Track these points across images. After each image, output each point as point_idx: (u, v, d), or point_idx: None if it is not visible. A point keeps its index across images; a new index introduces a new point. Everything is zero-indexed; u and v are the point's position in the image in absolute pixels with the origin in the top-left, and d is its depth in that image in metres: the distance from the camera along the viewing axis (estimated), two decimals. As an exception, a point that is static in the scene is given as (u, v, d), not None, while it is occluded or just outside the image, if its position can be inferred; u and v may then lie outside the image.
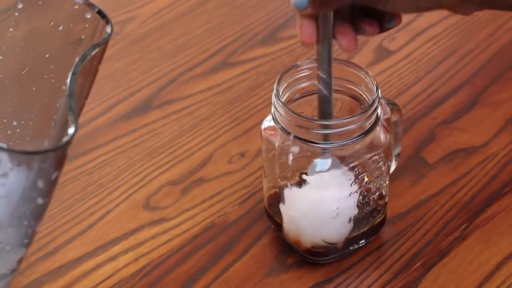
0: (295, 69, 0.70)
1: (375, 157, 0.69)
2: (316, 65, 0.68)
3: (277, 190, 0.71)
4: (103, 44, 0.55)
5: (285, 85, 0.69)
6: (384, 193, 0.72)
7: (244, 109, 0.86)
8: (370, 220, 0.72)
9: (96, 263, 0.73)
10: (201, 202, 0.77)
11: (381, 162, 0.70)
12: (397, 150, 0.75)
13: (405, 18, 0.95)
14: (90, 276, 0.72)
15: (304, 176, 0.69)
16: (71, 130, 0.51)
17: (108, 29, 0.55)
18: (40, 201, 0.53)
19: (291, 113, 0.66)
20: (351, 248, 0.72)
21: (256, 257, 0.73)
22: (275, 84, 0.68)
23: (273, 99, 0.68)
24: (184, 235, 0.75)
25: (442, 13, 0.95)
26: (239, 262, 0.73)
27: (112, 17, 0.60)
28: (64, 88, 0.59)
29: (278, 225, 0.73)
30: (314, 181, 0.69)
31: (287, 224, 0.71)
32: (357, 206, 0.70)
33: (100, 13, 0.57)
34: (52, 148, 0.51)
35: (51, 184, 0.53)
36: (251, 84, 0.88)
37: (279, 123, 0.68)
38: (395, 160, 0.75)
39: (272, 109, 0.68)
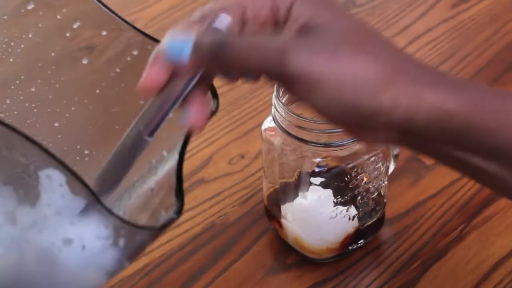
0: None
1: (374, 157, 0.69)
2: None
3: (277, 190, 0.72)
4: None
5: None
6: (382, 194, 0.72)
7: (244, 111, 0.86)
8: (369, 220, 0.72)
9: (98, 262, 0.73)
10: (201, 203, 0.78)
11: (380, 163, 0.70)
12: (395, 151, 0.75)
13: (404, 21, 0.96)
14: (91, 276, 0.72)
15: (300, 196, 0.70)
16: (173, 215, 0.51)
17: (213, 106, 0.55)
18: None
19: (292, 114, 0.67)
20: (350, 248, 0.72)
21: (256, 257, 0.73)
22: (276, 85, 0.68)
23: (274, 100, 0.68)
24: (184, 235, 0.75)
25: (440, 16, 0.96)
26: (239, 261, 0.73)
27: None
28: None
29: (277, 225, 0.73)
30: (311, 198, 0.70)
31: (286, 224, 0.72)
32: (356, 206, 0.70)
33: (211, 87, 0.55)
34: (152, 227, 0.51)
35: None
36: (251, 87, 0.89)
37: (279, 123, 0.68)
38: (394, 161, 0.76)
39: (273, 110, 0.69)
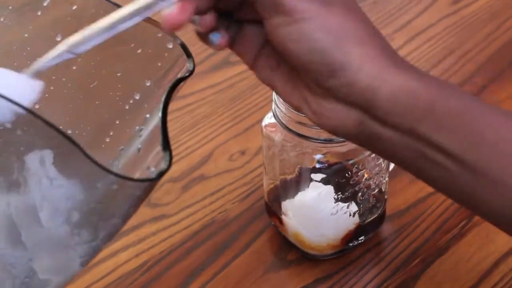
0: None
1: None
2: None
3: (278, 187, 0.72)
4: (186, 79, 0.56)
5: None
6: (383, 190, 0.72)
7: (245, 107, 0.86)
8: (370, 217, 0.72)
9: (97, 258, 0.73)
10: (201, 199, 0.78)
11: (381, 159, 0.70)
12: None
13: (405, 17, 0.96)
14: (91, 272, 0.72)
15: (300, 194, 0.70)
16: (164, 166, 0.50)
17: (190, 66, 0.56)
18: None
19: (292, 110, 0.67)
20: (351, 244, 0.72)
21: (256, 253, 0.73)
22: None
23: (274, 96, 0.68)
24: (184, 231, 0.75)
25: (441, 12, 0.96)
26: (239, 258, 0.73)
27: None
28: (127, 107, 0.60)
29: (278, 221, 0.73)
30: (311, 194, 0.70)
31: (287, 221, 0.72)
32: (357, 202, 0.70)
33: (183, 46, 0.57)
34: (143, 179, 0.51)
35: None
36: (251, 83, 0.89)
37: (280, 120, 0.68)
38: (395, 157, 0.75)
39: (273, 106, 0.69)
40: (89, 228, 0.52)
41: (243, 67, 0.90)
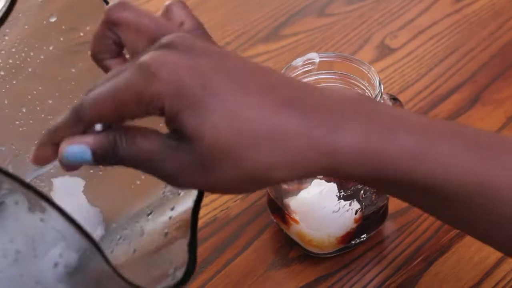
0: (296, 66, 0.71)
1: (377, 152, 0.69)
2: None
3: (280, 184, 0.72)
4: None
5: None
6: (386, 188, 0.72)
7: (247, 105, 0.86)
8: (372, 215, 0.72)
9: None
10: (203, 197, 0.78)
11: (383, 157, 0.70)
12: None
13: (408, 15, 0.96)
14: (93, 269, 0.72)
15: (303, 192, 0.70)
16: (184, 275, 0.50)
17: None
18: None
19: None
20: (353, 242, 0.72)
21: (258, 251, 0.73)
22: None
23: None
24: (186, 229, 0.75)
25: (444, 11, 0.96)
26: (241, 256, 0.73)
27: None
28: None
29: (280, 219, 0.73)
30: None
31: (289, 218, 0.72)
32: (359, 200, 0.70)
33: None
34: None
35: None
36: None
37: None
38: (397, 156, 0.75)
39: (276, 104, 0.69)
40: None
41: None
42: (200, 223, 0.75)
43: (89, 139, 0.48)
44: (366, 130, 0.48)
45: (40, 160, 0.50)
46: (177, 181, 0.48)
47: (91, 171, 0.64)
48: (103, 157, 0.49)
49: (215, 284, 0.71)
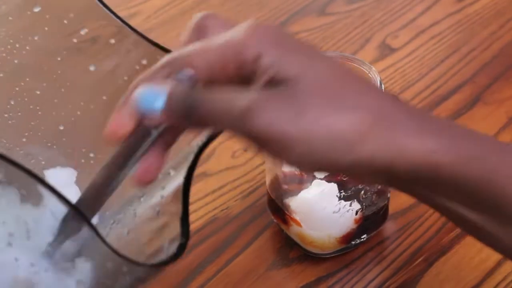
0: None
1: (378, 152, 0.69)
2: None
3: (280, 184, 0.71)
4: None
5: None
6: (386, 188, 0.72)
7: (248, 104, 0.86)
8: (372, 215, 0.72)
9: (99, 255, 0.73)
10: (203, 196, 0.78)
11: (384, 157, 0.70)
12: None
13: (409, 14, 0.96)
14: (92, 269, 0.72)
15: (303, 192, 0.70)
16: (178, 249, 0.49)
17: None
18: None
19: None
20: (353, 243, 0.72)
21: (259, 251, 0.73)
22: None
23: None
24: (186, 228, 0.75)
25: (446, 10, 0.96)
26: (241, 255, 0.73)
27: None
28: None
29: (280, 219, 0.73)
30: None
31: (289, 218, 0.72)
32: (360, 201, 0.70)
33: None
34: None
35: None
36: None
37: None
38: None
39: (276, 103, 0.68)
40: None
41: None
42: (200, 223, 0.75)
43: (168, 83, 0.47)
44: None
45: (117, 128, 0.49)
46: (266, 131, 0.46)
47: (83, 160, 0.63)
48: (178, 106, 0.47)
49: (215, 284, 0.71)
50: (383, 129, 0.46)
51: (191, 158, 0.53)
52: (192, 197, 0.77)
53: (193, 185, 0.78)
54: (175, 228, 0.50)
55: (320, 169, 0.48)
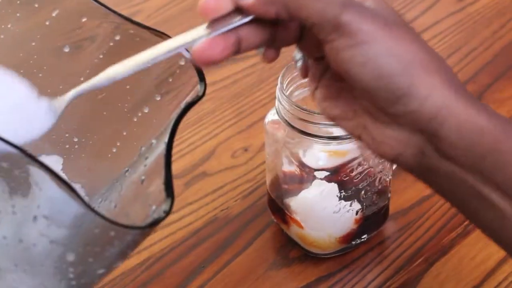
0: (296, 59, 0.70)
1: (379, 152, 0.69)
2: None
3: (281, 184, 0.71)
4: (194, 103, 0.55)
5: (289, 78, 0.69)
6: (387, 188, 0.72)
7: (248, 103, 0.86)
8: (373, 215, 0.72)
9: (99, 255, 0.73)
10: (204, 196, 0.77)
11: (384, 157, 0.70)
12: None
13: (411, 13, 0.96)
14: (92, 269, 0.72)
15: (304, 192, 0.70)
16: (165, 207, 0.50)
17: (200, 91, 0.55)
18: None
19: (295, 107, 0.66)
20: (354, 242, 0.72)
21: (259, 251, 0.73)
22: (280, 78, 0.68)
23: (278, 92, 0.68)
24: (186, 228, 0.75)
25: (447, 10, 0.96)
26: (241, 255, 0.73)
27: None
28: (135, 120, 0.60)
29: (280, 219, 0.73)
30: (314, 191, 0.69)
31: (289, 218, 0.71)
32: (360, 201, 0.70)
33: (198, 71, 0.56)
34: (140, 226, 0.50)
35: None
36: (255, 79, 0.88)
37: (283, 116, 0.68)
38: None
39: (276, 103, 0.68)
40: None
41: (247, 63, 0.90)
42: (200, 223, 0.75)
43: None
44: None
45: (216, 6, 0.50)
46: (350, 24, 0.48)
47: (67, 146, 0.63)
48: None
49: (215, 284, 0.71)
50: (444, 80, 0.49)
51: (171, 125, 0.53)
52: (192, 197, 0.77)
53: (193, 185, 0.79)
54: (160, 192, 0.51)
55: (374, 81, 0.49)
